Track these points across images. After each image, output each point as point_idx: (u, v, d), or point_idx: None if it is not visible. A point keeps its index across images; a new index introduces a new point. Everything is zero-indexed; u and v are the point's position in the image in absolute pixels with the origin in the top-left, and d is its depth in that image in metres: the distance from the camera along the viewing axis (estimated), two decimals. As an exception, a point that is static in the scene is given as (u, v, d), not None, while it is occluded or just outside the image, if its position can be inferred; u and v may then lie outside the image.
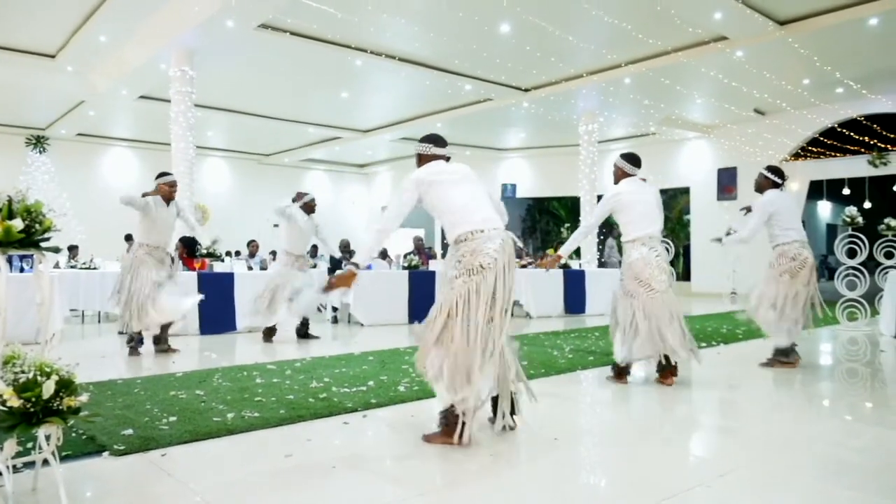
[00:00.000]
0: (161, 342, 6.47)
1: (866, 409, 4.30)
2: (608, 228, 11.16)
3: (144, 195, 6.26)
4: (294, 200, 7.35)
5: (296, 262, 7.31)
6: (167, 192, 6.36)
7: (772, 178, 5.65)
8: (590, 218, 4.93)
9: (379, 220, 3.59)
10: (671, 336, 4.64)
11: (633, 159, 4.95)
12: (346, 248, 11.02)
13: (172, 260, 6.59)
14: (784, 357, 5.60)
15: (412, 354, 6.07)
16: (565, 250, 5.09)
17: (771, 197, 5.55)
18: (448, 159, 3.62)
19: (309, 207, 7.34)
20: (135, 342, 6.35)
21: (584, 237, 5.23)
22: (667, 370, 4.84)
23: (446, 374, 3.16)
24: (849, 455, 3.21)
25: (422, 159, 3.59)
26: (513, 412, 3.51)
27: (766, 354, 5.72)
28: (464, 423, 3.22)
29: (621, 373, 4.95)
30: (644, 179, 4.93)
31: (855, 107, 12.96)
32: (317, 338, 7.69)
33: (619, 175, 4.95)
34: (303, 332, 7.63)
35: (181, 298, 6.38)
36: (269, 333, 7.41)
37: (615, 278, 11.30)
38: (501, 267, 3.24)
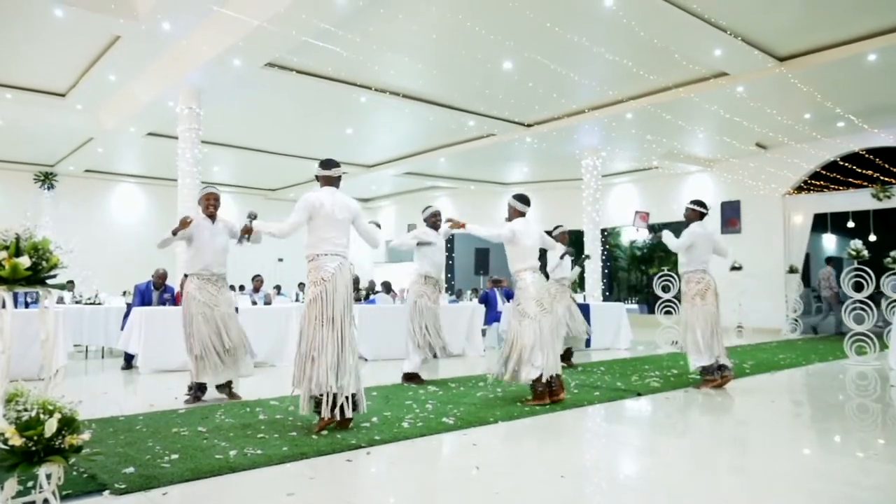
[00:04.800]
0: (224, 386, 5.67)
1: (878, 445, 4.23)
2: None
3: (174, 232, 5.41)
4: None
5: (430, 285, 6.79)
6: (206, 206, 5.56)
7: (698, 210, 6.56)
8: (494, 230, 5.60)
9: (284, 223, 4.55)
10: (554, 354, 5.39)
11: (523, 199, 5.72)
12: (354, 284, 10.96)
13: (233, 288, 6.20)
14: (710, 376, 6.27)
15: (416, 390, 6.04)
16: (472, 228, 5.51)
17: (695, 229, 6.44)
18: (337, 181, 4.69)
19: (433, 223, 6.84)
20: (194, 390, 5.53)
21: (485, 234, 5.60)
22: (557, 389, 5.36)
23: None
24: (862, 494, 3.14)
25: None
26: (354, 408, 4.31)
27: (774, 390, 5.67)
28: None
29: (543, 393, 5.35)
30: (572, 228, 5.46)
31: (856, 141, 13.03)
32: None
33: (514, 214, 5.69)
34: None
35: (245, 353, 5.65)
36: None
37: (619, 313, 11.12)
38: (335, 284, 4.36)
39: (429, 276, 6.77)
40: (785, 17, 8.48)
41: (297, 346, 4.42)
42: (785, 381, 7.18)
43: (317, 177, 4.69)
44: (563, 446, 4.23)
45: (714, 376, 6.27)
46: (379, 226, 5.52)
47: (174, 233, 5.36)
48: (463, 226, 5.51)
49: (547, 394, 5.32)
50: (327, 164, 4.67)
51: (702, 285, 6.38)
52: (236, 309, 6.72)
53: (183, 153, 10.31)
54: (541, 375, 5.26)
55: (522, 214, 5.67)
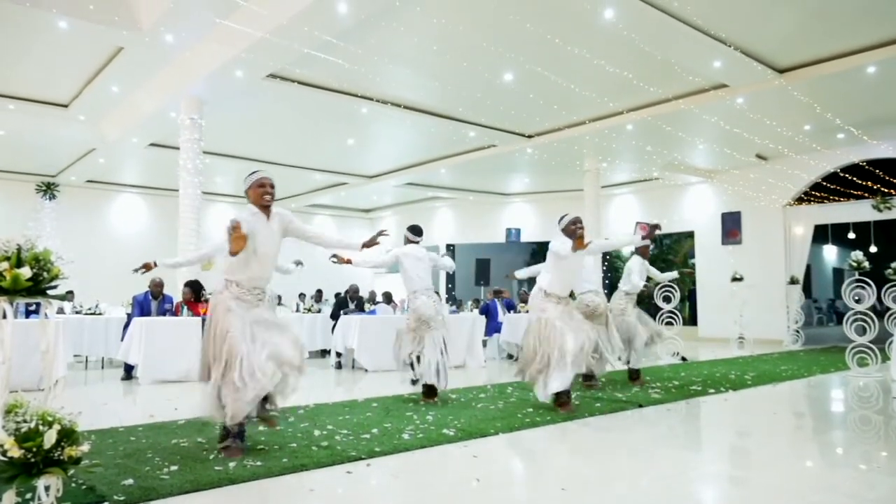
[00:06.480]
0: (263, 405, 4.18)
1: (881, 458, 4.21)
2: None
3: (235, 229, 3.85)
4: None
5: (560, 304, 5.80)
6: (258, 197, 4.19)
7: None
8: (380, 257, 6.28)
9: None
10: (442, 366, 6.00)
11: (415, 230, 6.30)
12: (354, 294, 10.96)
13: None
14: (589, 381, 6.87)
15: (416, 401, 6.02)
16: (358, 259, 6.01)
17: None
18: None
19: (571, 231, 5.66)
20: (232, 437, 4.00)
21: (371, 263, 6.40)
22: (433, 391, 6.02)
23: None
24: (865, 507, 3.13)
25: None
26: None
27: (775, 401, 5.64)
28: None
29: (430, 392, 6.05)
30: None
31: (856, 152, 13.05)
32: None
33: (406, 241, 6.27)
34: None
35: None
36: None
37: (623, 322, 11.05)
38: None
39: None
40: (784, 28, 8.52)
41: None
42: (787, 392, 7.15)
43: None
44: (565, 458, 4.21)
45: (593, 382, 6.89)
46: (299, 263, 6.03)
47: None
48: (349, 261, 5.85)
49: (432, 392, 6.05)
50: None
51: (591, 307, 6.86)
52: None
53: (185, 163, 10.33)
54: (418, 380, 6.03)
55: (414, 242, 6.24)
